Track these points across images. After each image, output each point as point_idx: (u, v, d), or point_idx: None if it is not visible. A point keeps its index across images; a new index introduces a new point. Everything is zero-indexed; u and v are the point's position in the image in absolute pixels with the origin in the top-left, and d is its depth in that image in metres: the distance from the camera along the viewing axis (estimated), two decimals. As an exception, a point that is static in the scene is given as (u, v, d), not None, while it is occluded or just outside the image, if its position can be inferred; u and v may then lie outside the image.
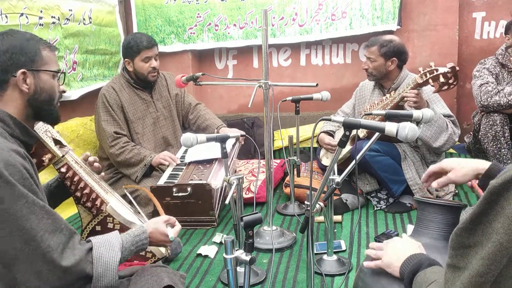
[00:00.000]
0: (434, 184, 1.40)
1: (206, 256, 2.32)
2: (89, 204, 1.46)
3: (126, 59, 2.90)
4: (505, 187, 0.78)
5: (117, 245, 1.23)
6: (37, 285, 1.09)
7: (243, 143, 3.15)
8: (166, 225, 1.41)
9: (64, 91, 1.35)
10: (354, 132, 1.67)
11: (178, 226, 1.46)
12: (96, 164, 1.59)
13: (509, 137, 2.98)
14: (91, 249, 1.20)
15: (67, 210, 2.82)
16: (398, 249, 1.19)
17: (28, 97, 1.25)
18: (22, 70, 1.23)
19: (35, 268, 1.08)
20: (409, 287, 1.08)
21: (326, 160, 3.05)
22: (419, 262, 1.08)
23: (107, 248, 1.21)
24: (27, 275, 1.08)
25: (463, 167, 1.33)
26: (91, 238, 1.24)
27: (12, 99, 1.23)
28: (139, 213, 1.70)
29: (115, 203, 1.50)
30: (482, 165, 1.30)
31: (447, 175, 1.37)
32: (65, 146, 1.48)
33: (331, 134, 3.06)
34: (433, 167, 1.42)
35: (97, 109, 2.90)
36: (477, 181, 1.66)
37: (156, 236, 1.38)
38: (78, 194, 1.46)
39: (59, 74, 1.32)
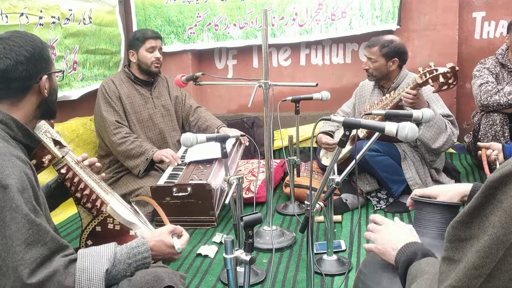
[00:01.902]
0: None
1: (206, 256, 2.33)
2: (89, 205, 1.46)
3: (130, 51, 2.97)
4: (502, 181, 0.78)
5: (106, 255, 1.15)
6: None
7: (247, 144, 3.14)
8: (172, 236, 1.32)
9: None
10: (354, 132, 1.67)
11: (185, 236, 1.36)
12: (98, 164, 1.59)
13: (509, 137, 2.98)
14: (75, 260, 1.13)
15: (67, 211, 2.83)
16: (392, 237, 1.19)
17: (42, 100, 1.28)
18: (45, 75, 1.25)
19: (9, 282, 1.01)
20: (404, 277, 1.09)
21: (326, 160, 3.05)
22: (414, 253, 1.10)
23: (93, 258, 1.14)
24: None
25: (449, 192, 1.37)
26: (80, 249, 1.18)
27: (27, 104, 1.25)
28: (139, 213, 1.70)
29: (115, 203, 1.50)
30: (466, 187, 1.35)
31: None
32: (65, 146, 1.48)
33: (330, 134, 3.06)
34: (418, 192, 1.43)
35: (97, 101, 2.94)
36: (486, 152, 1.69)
37: (161, 249, 1.28)
38: (78, 195, 1.46)
39: (59, 72, 1.39)
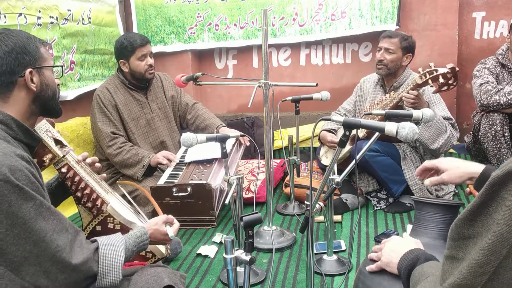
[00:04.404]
0: (427, 181, 1.41)
1: (206, 256, 2.33)
2: (89, 204, 1.46)
3: (121, 60, 2.88)
4: (506, 179, 0.78)
5: (121, 246, 1.27)
6: (45, 285, 1.10)
7: (248, 144, 3.12)
8: (165, 225, 1.46)
9: (58, 84, 1.37)
10: (354, 132, 1.67)
11: (176, 224, 1.52)
12: (97, 164, 1.59)
13: (509, 137, 2.98)
14: (97, 248, 1.23)
15: (68, 210, 2.82)
16: (396, 247, 1.19)
17: (34, 95, 1.26)
18: (29, 69, 1.23)
19: (44, 268, 1.10)
20: (407, 282, 1.08)
21: (326, 160, 3.05)
22: (416, 257, 1.09)
23: (112, 248, 1.24)
24: (35, 276, 1.09)
25: (458, 169, 1.34)
26: (96, 238, 1.27)
27: (18, 100, 1.23)
28: (139, 212, 1.70)
29: (115, 203, 1.50)
30: (477, 168, 1.31)
31: (440, 176, 1.38)
32: (66, 146, 1.48)
33: (332, 132, 3.06)
34: (427, 163, 1.42)
35: (92, 110, 2.89)
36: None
37: (156, 236, 1.43)
38: (79, 194, 1.46)
39: (57, 68, 1.35)
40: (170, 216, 1.52)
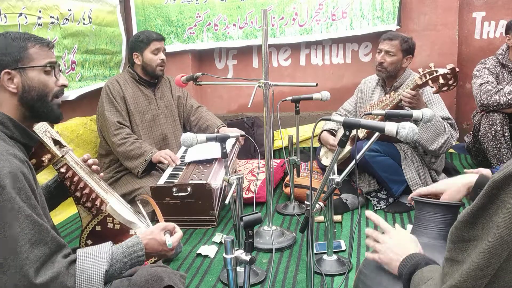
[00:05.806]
0: None
1: (206, 256, 2.32)
2: (89, 204, 1.46)
3: (135, 53, 2.97)
4: (506, 181, 0.78)
5: (104, 256, 1.18)
6: None
7: (243, 143, 3.16)
8: (164, 233, 1.33)
9: (64, 85, 1.31)
10: (354, 132, 1.67)
11: (178, 233, 1.38)
12: (94, 166, 1.58)
13: (509, 137, 2.98)
14: (74, 261, 1.15)
15: (67, 210, 2.83)
16: (396, 248, 1.19)
17: (18, 97, 1.23)
18: (6, 70, 1.21)
19: (13, 281, 1.02)
20: (408, 286, 1.09)
21: (326, 160, 3.05)
22: (416, 262, 1.09)
23: (92, 259, 1.16)
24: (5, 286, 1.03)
25: (454, 186, 1.35)
26: (78, 249, 1.20)
27: (4, 101, 1.22)
28: (139, 213, 1.69)
29: (115, 203, 1.50)
30: (471, 178, 1.32)
31: (440, 198, 1.38)
32: (65, 146, 1.48)
33: (333, 132, 3.06)
34: (423, 191, 1.42)
35: (100, 101, 2.94)
36: None
37: (153, 247, 1.30)
38: (78, 194, 1.46)
39: (51, 67, 1.27)
40: (171, 224, 1.37)
